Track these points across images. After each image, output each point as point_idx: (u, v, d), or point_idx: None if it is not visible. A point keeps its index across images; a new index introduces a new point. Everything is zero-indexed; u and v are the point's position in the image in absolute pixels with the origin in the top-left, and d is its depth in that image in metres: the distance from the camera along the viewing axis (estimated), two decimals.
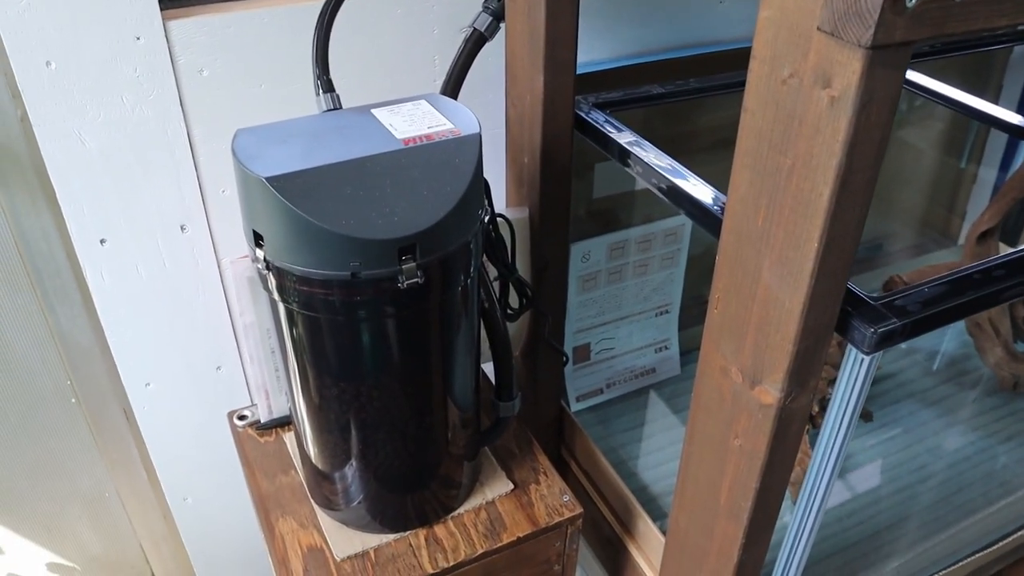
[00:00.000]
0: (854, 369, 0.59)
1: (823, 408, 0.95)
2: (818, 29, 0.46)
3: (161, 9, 0.79)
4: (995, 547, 0.98)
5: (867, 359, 0.58)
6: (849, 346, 0.59)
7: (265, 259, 0.63)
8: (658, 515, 0.98)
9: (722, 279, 0.61)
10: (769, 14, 0.50)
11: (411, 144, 0.63)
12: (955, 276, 0.63)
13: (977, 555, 0.97)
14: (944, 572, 0.94)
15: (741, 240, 0.58)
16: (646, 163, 0.77)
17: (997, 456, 1.11)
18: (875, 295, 0.59)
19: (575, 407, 1.12)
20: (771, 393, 0.59)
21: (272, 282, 0.65)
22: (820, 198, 0.50)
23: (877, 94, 0.46)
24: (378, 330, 0.67)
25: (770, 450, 0.62)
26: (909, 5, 0.43)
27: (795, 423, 0.62)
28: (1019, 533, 1.00)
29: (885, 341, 0.57)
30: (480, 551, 0.81)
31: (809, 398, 0.61)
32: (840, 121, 0.47)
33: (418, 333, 0.69)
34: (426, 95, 0.71)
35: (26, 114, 0.82)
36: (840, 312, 0.57)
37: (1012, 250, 0.69)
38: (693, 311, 1.20)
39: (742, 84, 0.53)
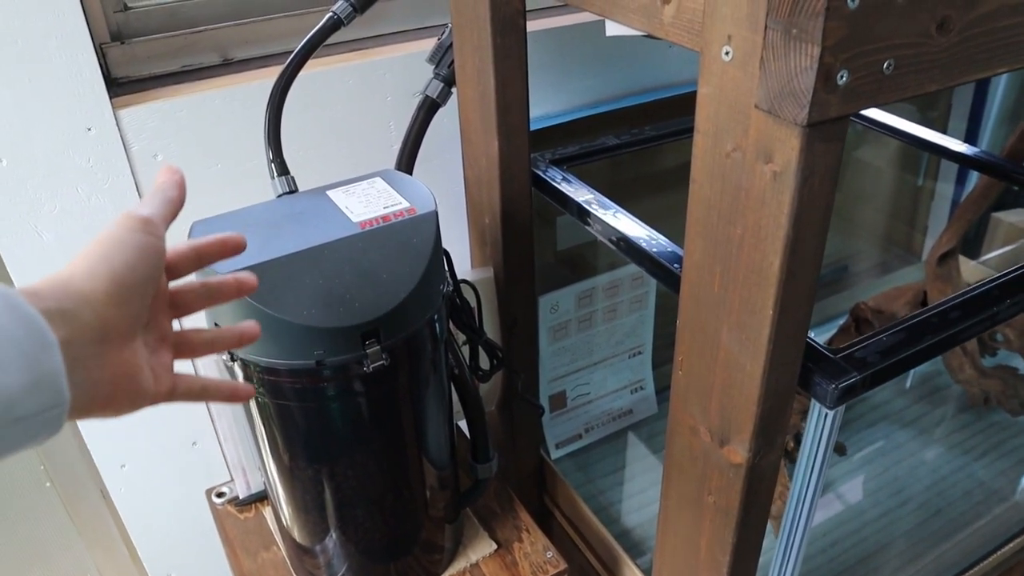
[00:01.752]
0: (819, 422, 0.60)
1: (798, 442, 0.96)
2: (756, 107, 0.47)
3: (111, 97, 0.79)
4: (979, 566, 0.99)
5: (831, 413, 0.59)
6: (813, 401, 0.60)
7: (230, 352, 0.63)
8: (643, 557, 0.97)
9: (684, 342, 0.62)
10: (709, 91, 0.51)
11: (368, 227, 0.63)
12: (912, 321, 0.64)
13: (966, 573, 0.98)
14: None
15: (700, 305, 0.58)
16: (604, 221, 0.78)
17: (973, 473, 1.12)
18: (834, 349, 0.60)
19: (555, 454, 1.12)
20: (740, 453, 0.60)
21: (239, 373, 0.65)
22: (771, 267, 0.51)
23: (818, 167, 0.47)
24: (348, 412, 0.67)
25: (743, 507, 0.62)
26: (840, 83, 0.44)
27: (766, 479, 0.62)
28: (1002, 550, 1.01)
29: (847, 395, 0.58)
30: None
31: (779, 453, 0.61)
32: (784, 195, 0.48)
33: (388, 410, 0.69)
34: (381, 172, 0.72)
35: None
36: (802, 367, 0.58)
37: (972, 283, 0.71)
38: (666, 350, 1.21)
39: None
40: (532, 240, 0.89)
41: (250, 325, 0.50)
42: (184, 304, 0.49)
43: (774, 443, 0.60)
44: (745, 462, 0.59)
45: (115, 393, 0.41)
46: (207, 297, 0.50)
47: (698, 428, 0.63)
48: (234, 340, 0.51)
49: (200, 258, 0.49)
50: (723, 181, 0.52)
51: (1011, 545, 1.02)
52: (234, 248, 0.50)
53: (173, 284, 0.48)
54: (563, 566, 0.86)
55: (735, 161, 0.51)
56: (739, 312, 0.55)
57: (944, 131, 1.43)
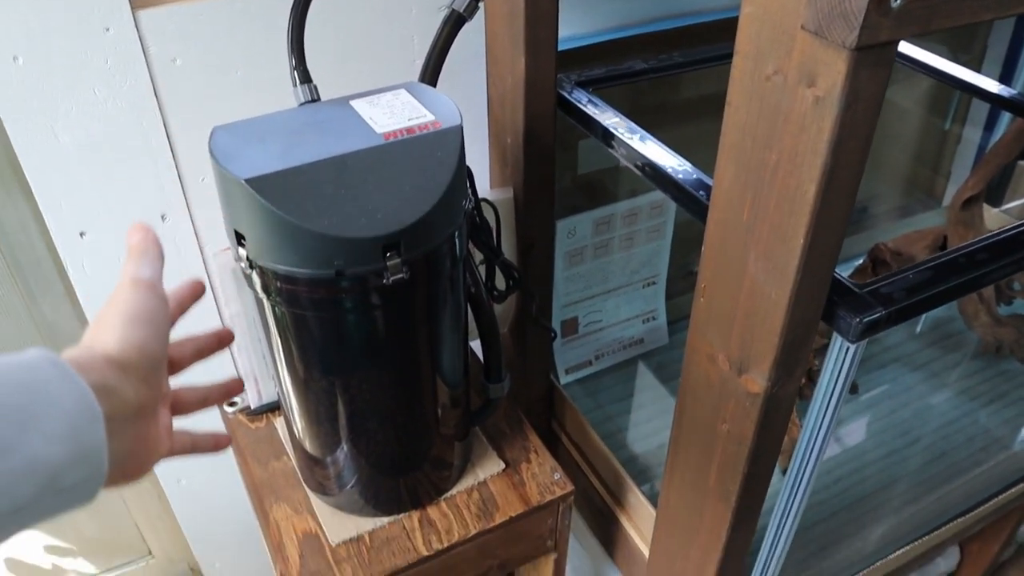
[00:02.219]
0: (840, 357, 0.60)
1: (811, 380, 0.96)
2: (802, 28, 0.45)
3: None
4: (980, 508, 1.00)
5: (853, 347, 0.58)
6: (835, 334, 0.59)
7: (248, 258, 0.62)
8: (648, 484, 0.99)
9: (708, 269, 0.61)
10: (752, 11, 0.49)
11: (392, 139, 0.62)
12: (939, 261, 0.63)
13: (962, 518, 0.99)
14: (929, 536, 0.96)
15: (727, 232, 0.58)
16: (629, 145, 0.77)
17: (981, 419, 1.13)
18: (860, 284, 0.59)
19: (564, 380, 1.13)
20: (758, 382, 0.60)
21: (256, 281, 0.64)
22: (806, 195, 0.50)
23: (862, 93, 0.45)
24: (365, 324, 0.67)
25: (757, 436, 0.63)
26: (894, 5, 0.42)
27: (782, 410, 0.62)
28: (1004, 494, 1.02)
29: (871, 330, 0.57)
30: (473, 532, 0.82)
31: (796, 385, 0.61)
32: (825, 120, 0.46)
33: (405, 324, 0.69)
34: (405, 84, 0.70)
35: None
36: (827, 300, 0.58)
37: (994, 230, 0.69)
38: (680, 282, 1.21)
39: (726, 57, 0.53)
40: (554, 162, 0.88)
41: (235, 380, 0.58)
42: (177, 362, 0.53)
43: (793, 374, 0.59)
44: (763, 391, 0.59)
45: (138, 464, 0.43)
46: (196, 354, 0.55)
47: (716, 356, 0.63)
48: (223, 395, 0.57)
49: (199, 354, 0.55)
50: (761, 105, 0.51)
51: (1011, 491, 1.03)
52: (227, 340, 0.57)
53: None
54: (570, 488, 0.87)
55: (775, 84, 0.49)
56: (768, 240, 0.54)
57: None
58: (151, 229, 0.50)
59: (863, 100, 0.46)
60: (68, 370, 0.37)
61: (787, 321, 0.55)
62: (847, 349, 0.59)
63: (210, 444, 0.55)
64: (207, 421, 1.04)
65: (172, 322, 0.51)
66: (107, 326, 0.43)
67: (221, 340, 0.57)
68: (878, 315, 0.57)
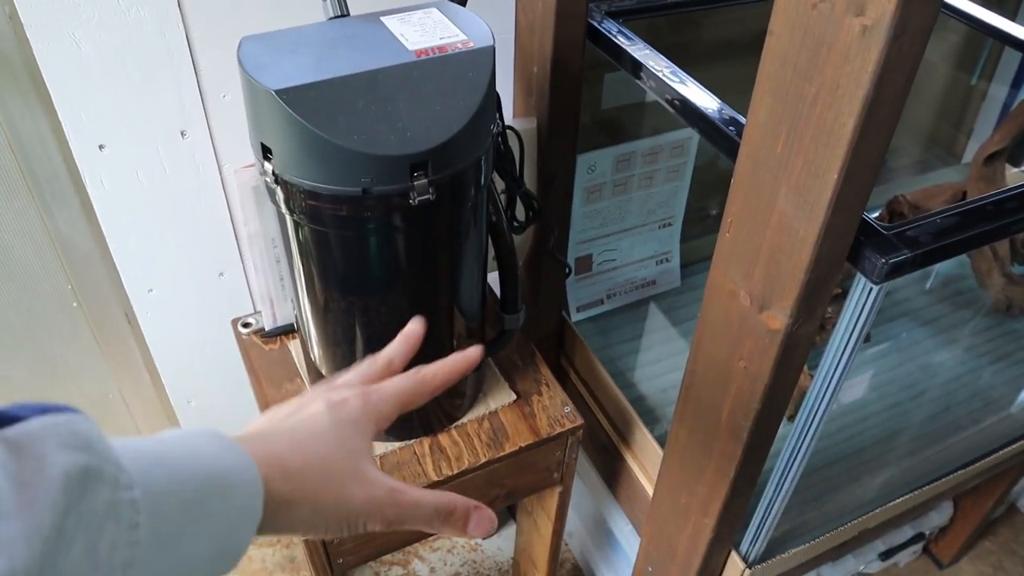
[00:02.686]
0: (862, 297, 0.60)
1: (823, 327, 0.96)
2: None
3: None
4: (978, 464, 1.01)
5: (876, 288, 0.58)
6: (858, 275, 0.59)
7: (274, 172, 0.62)
8: (654, 425, 1.00)
9: (736, 204, 0.61)
10: None
11: (424, 56, 0.61)
12: (967, 207, 0.62)
13: (960, 472, 1.00)
14: (928, 487, 0.97)
15: (758, 166, 0.57)
16: (659, 78, 0.76)
17: (986, 376, 1.13)
18: (887, 226, 0.59)
19: (575, 317, 1.13)
20: (779, 319, 0.60)
21: (280, 196, 0.64)
22: (844, 128, 0.49)
23: (911, 25, 0.45)
24: (387, 245, 0.67)
25: (774, 373, 0.63)
26: None
27: (800, 348, 0.63)
28: (1002, 451, 1.03)
29: (896, 272, 0.57)
30: (483, 460, 0.84)
31: (816, 324, 0.62)
32: (871, 51, 0.45)
33: (427, 247, 0.69)
34: (436, 2, 0.69)
35: (15, 12, 0.79)
36: (853, 240, 0.57)
37: (1020, 172, 0.69)
38: (696, 224, 1.20)
39: None
40: (580, 94, 0.87)
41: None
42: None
43: (814, 313, 0.60)
44: (783, 328, 0.59)
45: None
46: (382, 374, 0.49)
47: (738, 292, 0.63)
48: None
49: (391, 371, 0.48)
50: (804, 34, 0.50)
51: (1008, 449, 1.04)
52: (417, 342, 0.51)
53: None
54: (580, 421, 0.88)
55: (822, 13, 0.48)
56: (800, 174, 0.53)
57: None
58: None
59: (911, 32, 0.45)
60: (250, 466, 0.35)
61: (813, 258, 0.55)
62: (870, 290, 0.59)
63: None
64: (218, 334, 1.04)
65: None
66: (294, 438, 0.40)
67: (412, 347, 0.52)
68: (904, 257, 0.57)
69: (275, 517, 0.37)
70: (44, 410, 0.29)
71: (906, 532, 1.36)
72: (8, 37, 0.86)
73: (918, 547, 1.42)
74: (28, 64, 0.88)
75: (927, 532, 1.39)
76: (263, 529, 0.36)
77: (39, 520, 0.26)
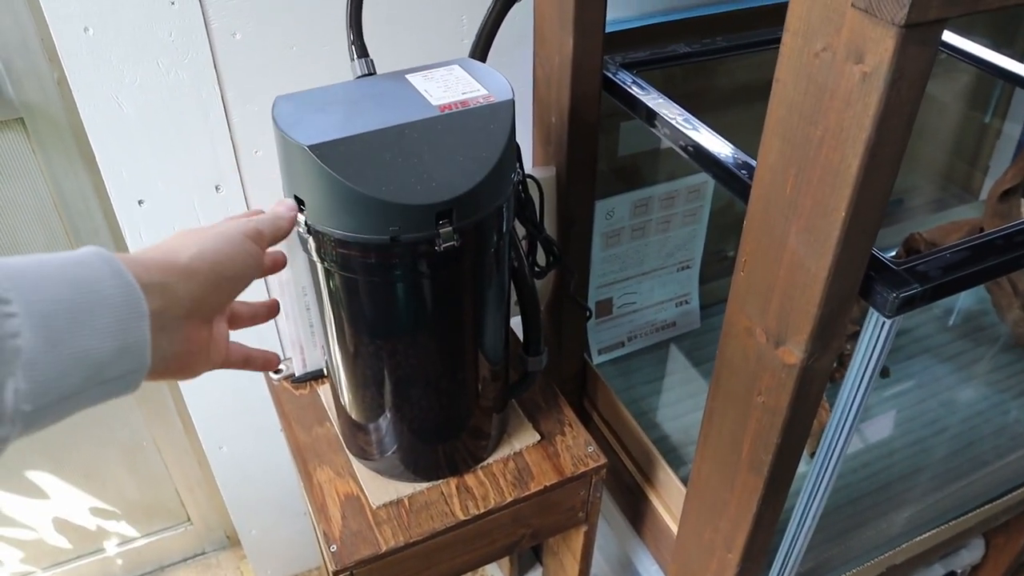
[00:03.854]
0: (875, 332, 0.61)
1: (842, 364, 0.98)
2: (852, 6, 0.47)
3: None
4: (1005, 499, 1.01)
5: (888, 322, 0.60)
6: (871, 309, 0.61)
7: (306, 223, 0.65)
8: (677, 465, 1.01)
9: (749, 243, 0.63)
10: None
11: (447, 111, 0.65)
12: (977, 241, 0.64)
13: (987, 506, 1.00)
14: (954, 522, 0.97)
15: (769, 207, 0.60)
16: (673, 125, 0.79)
17: (1009, 411, 1.13)
18: (898, 261, 0.61)
19: (597, 360, 1.15)
20: (795, 354, 0.62)
21: (312, 245, 0.67)
22: (849, 169, 0.52)
23: (908, 71, 0.47)
24: (414, 291, 0.69)
25: (792, 408, 0.65)
26: None
27: (817, 382, 0.64)
28: None
29: (907, 305, 0.59)
30: (509, 499, 0.85)
31: (832, 359, 0.63)
32: (871, 96, 0.48)
33: (452, 293, 0.71)
34: (458, 60, 0.73)
35: (63, 77, 0.84)
36: (864, 276, 0.59)
37: None
38: (714, 266, 1.22)
39: (769, 43, 0.55)
40: (596, 142, 0.90)
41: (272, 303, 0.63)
42: (235, 319, 0.58)
43: (829, 347, 0.61)
44: (799, 363, 0.61)
45: (186, 363, 0.46)
46: (251, 318, 0.61)
47: (754, 329, 0.65)
48: (266, 315, 0.62)
49: (255, 317, 0.61)
50: (808, 81, 0.53)
51: None
52: (276, 311, 0.63)
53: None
54: (603, 460, 0.89)
55: (824, 61, 0.51)
56: (810, 214, 0.56)
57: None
58: (294, 211, 0.56)
59: (909, 77, 0.48)
60: (119, 267, 0.39)
61: (825, 293, 0.57)
62: (883, 324, 0.61)
63: (261, 362, 0.60)
64: (249, 380, 1.07)
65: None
66: (192, 235, 0.47)
67: (270, 309, 0.62)
68: (914, 291, 0.59)
69: (161, 296, 0.41)
70: None
71: (937, 571, 1.35)
72: (55, 101, 0.91)
73: None
74: (73, 125, 0.93)
75: (959, 572, 1.37)
76: (161, 315, 0.41)
77: None
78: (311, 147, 0.60)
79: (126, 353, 0.38)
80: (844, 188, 0.52)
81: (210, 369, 0.50)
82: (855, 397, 0.68)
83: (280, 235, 0.54)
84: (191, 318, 0.45)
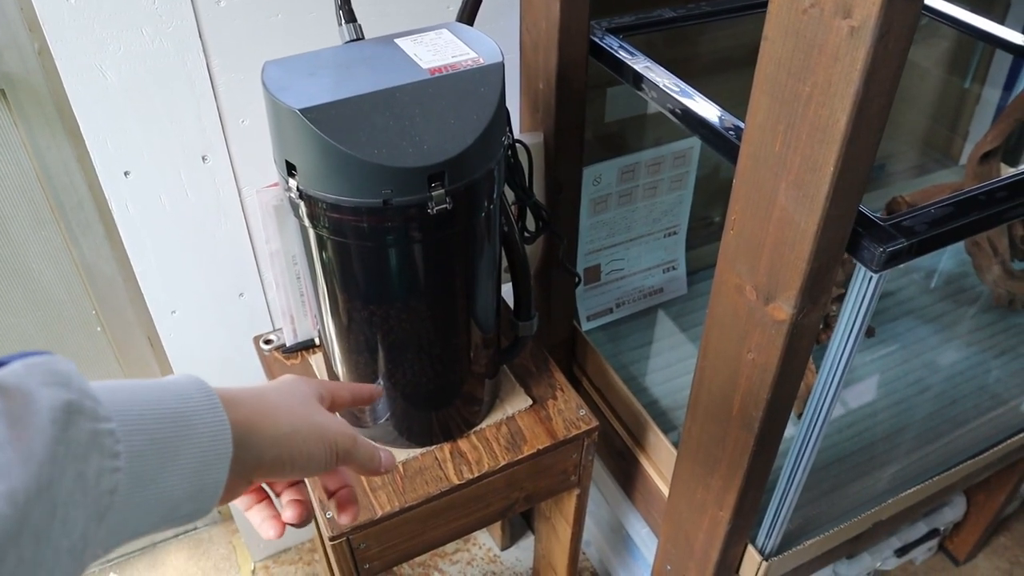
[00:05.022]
0: (863, 286, 0.62)
1: (828, 326, 0.99)
2: None
3: None
4: (985, 454, 1.04)
5: (875, 277, 0.61)
6: (858, 265, 0.62)
7: (298, 188, 0.65)
8: (667, 428, 1.02)
9: (739, 201, 0.64)
10: None
11: (437, 74, 0.65)
12: (960, 197, 0.65)
13: (968, 462, 1.02)
14: (938, 478, 0.99)
15: (758, 164, 0.60)
16: (661, 88, 0.79)
17: (990, 370, 1.15)
18: (884, 216, 0.62)
19: (586, 326, 1.16)
20: (784, 309, 0.63)
21: (304, 210, 0.67)
22: (837, 124, 0.52)
23: (895, 24, 0.48)
24: (406, 255, 0.70)
25: (782, 363, 0.66)
26: None
27: (806, 337, 0.65)
28: (1009, 441, 1.05)
29: (893, 260, 0.60)
30: (502, 463, 0.86)
31: (820, 314, 0.64)
32: (859, 50, 0.49)
33: (444, 257, 0.72)
34: (446, 24, 0.72)
35: (44, 47, 0.83)
36: (851, 232, 0.60)
37: (1014, 171, 0.72)
38: (700, 232, 1.23)
39: (753, 7, 0.55)
40: (584, 107, 0.90)
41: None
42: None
43: (818, 301, 0.62)
44: (789, 318, 0.62)
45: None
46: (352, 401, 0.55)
47: (744, 286, 0.66)
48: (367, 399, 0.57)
49: (355, 401, 0.54)
50: (796, 38, 0.53)
51: (1016, 439, 1.06)
52: (371, 397, 0.58)
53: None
54: (595, 423, 0.90)
55: (812, 17, 0.51)
56: (799, 170, 0.57)
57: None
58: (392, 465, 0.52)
59: (895, 31, 0.48)
60: (215, 402, 0.37)
61: (815, 248, 0.58)
62: (870, 279, 0.62)
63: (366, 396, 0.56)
64: (239, 352, 1.07)
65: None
66: (294, 410, 0.44)
67: (372, 396, 0.58)
68: (900, 245, 0.60)
69: (244, 447, 0.39)
70: (24, 355, 0.32)
71: (920, 528, 1.38)
72: (37, 72, 0.90)
73: (933, 544, 1.43)
74: (56, 97, 0.92)
75: (941, 528, 1.40)
76: (237, 463, 0.38)
77: (31, 448, 0.29)
78: (302, 111, 0.60)
79: (199, 494, 0.37)
80: (832, 144, 0.53)
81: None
82: (842, 354, 0.69)
83: (364, 473, 0.50)
84: (241, 478, 0.41)
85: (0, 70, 0.89)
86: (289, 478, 0.47)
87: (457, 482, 0.85)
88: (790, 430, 0.76)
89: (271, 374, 0.96)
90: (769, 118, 0.58)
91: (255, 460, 0.41)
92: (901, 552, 1.36)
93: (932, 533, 1.39)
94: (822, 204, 0.56)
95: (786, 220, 0.59)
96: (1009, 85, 1.45)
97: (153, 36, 0.83)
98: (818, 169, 0.55)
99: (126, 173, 0.90)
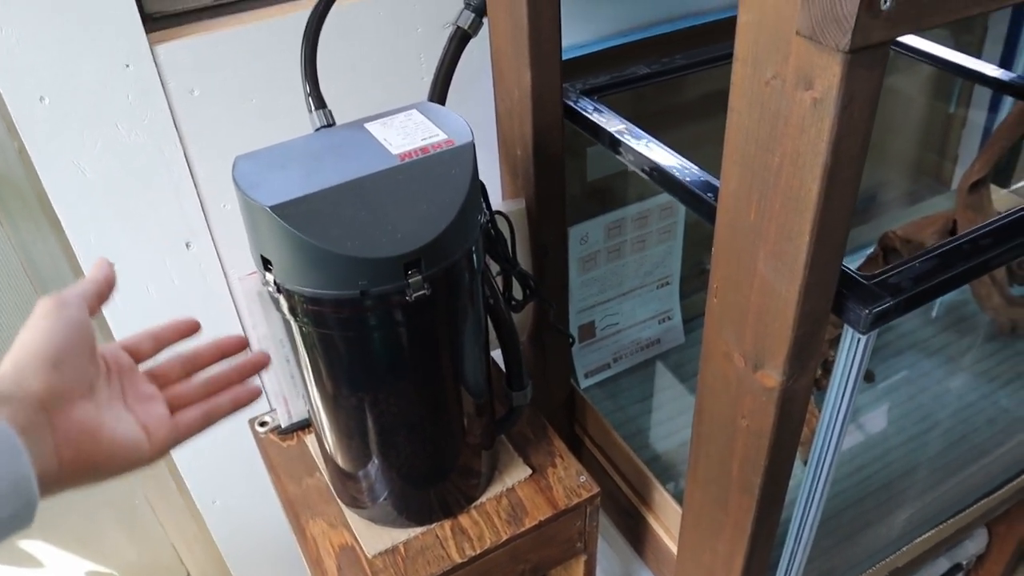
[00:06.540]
0: (852, 348, 0.61)
1: (827, 371, 0.97)
2: (797, 33, 0.47)
3: (147, 33, 0.80)
4: (1003, 490, 1.01)
5: (864, 338, 0.60)
6: (846, 326, 0.61)
7: (275, 282, 0.65)
8: (674, 480, 1.00)
9: (720, 269, 0.63)
10: (749, 18, 0.51)
11: (407, 159, 0.64)
12: (945, 248, 0.64)
13: (984, 500, 1.00)
14: (952, 520, 0.97)
15: (736, 233, 0.59)
16: (636, 151, 0.79)
17: (999, 400, 1.13)
18: (868, 275, 0.61)
19: (584, 383, 1.14)
20: (773, 377, 0.61)
21: (283, 304, 0.67)
22: (809, 193, 0.51)
23: (858, 94, 0.47)
24: (389, 341, 0.69)
25: (776, 429, 0.64)
26: (884, 7, 0.44)
27: (798, 401, 0.64)
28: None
29: (880, 320, 0.59)
30: (505, 537, 0.84)
31: (811, 377, 0.63)
32: (824, 121, 0.48)
33: (428, 339, 0.71)
34: (417, 104, 0.72)
35: (23, 147, 0.83)
36: (836, 294, 0.59)
37: (1002, 212, 0.71)
38: (694, 280, 1.22)
39: (728, 57, 0.54)
40: (563, 171, 0.90)
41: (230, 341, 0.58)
42: (136, 353, 0.55)
43: (807, 367, 0.61)
44: (778, 386, 0.61)
45: (82, 454, 0.44)
46: (183, 367, 0.57)
47: (732, 354, 0.65)
48: (236, 347, 0.58)
49: (158, 342, 0.56)
50: (762, 109, 0.53)
51: None
52: (188, 330, 0.57)
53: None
54: (596, 489, 0.89)
55: (774, 89, 0.51)
56: (775, 239, 0.56)
57: (979, 56, 1.41)
58: (108, 263, 0.54)
59: (859, 100, 0.48)
60: None
61: (798, 316, 0.57)
62: (858, 340, 0.61)
63: (229, 405, 0.57)
64: (237, 433, 1.07)
65: (143, 355, 0.54)
66: (16, 341, 0.45)
67: (179, 330, 0.57)
68: (887, 305, 0.59)
69: (36, 429, 0.41)
70: None
71: (943, 564, 1.35)
72: (18, 170, 0.90)
73: None
74: (38, 192, 0.92)
75: (964, 562, 1.37)
76: (32, 445, 0.40)
77: None
78: (273, 208, 0.60)
79: (13, 493, 0.38)
80: (806, 212, 0.52)
81: (155, 455, 0.49)
82: (839, 409, 0.67)
83: (100, 285, 0.52)
84: (48, 408, 0.43)
85: None
86: (76, 367, 0.46)
87: (459, 560, 0.83)
88: (797, 476, 0.75)
89: (268, 458, 0.95)
90: (742, 187, 0.57)
91: (25, 400, 0.41)
92: None
93: (955, 568, 1.36)
94: (801, 272, 0.55)
95: (767, 288, 0.58)
96: (994, 107, 1.45)
97: (129, 130, 0.83)
98: (794, 238, 0.54)
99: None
